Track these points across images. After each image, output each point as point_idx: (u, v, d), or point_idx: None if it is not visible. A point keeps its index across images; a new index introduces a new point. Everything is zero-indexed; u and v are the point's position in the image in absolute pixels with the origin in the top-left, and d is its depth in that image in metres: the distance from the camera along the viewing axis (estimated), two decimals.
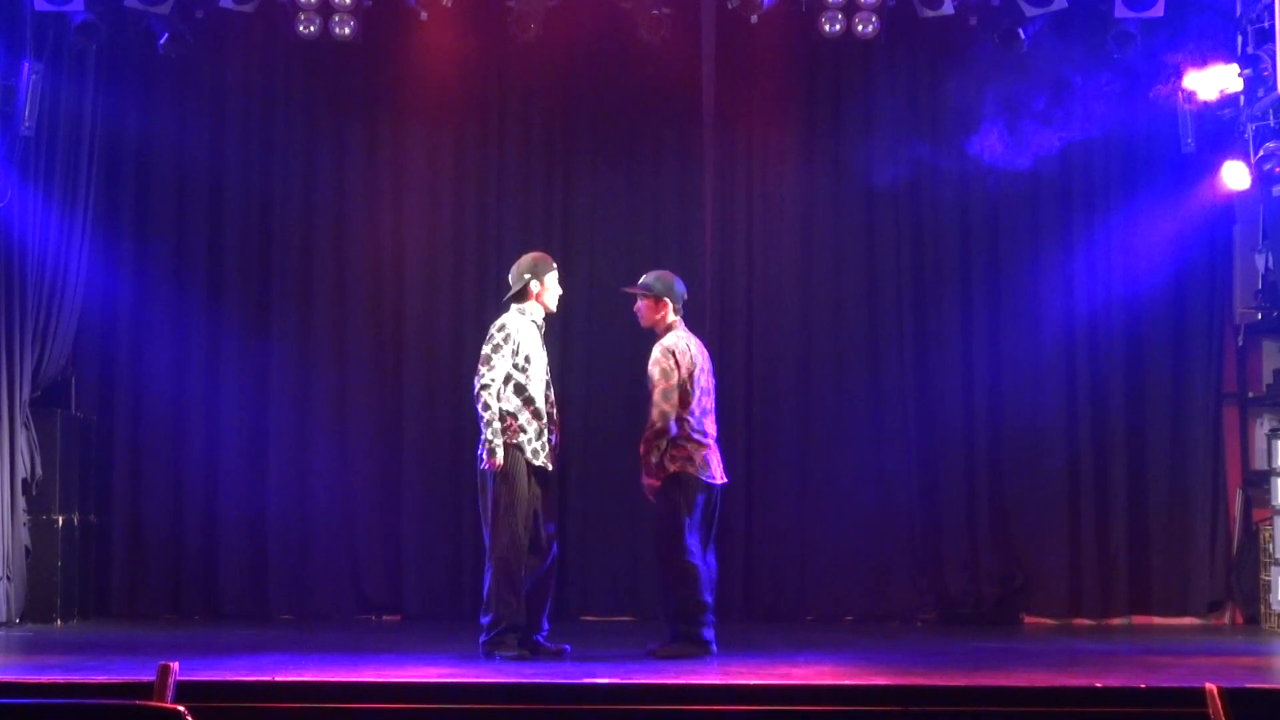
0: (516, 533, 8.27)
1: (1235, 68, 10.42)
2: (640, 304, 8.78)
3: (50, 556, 10.70)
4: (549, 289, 8.55)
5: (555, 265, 8.62)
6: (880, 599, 11.41)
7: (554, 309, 8.63)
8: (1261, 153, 10.21)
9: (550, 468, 8.43)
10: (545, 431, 8.38)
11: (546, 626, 8.51)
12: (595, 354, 11.47)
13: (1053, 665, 8.29)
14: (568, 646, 8.47)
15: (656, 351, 8.60)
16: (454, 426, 11.29)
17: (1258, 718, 6.35)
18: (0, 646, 9.38)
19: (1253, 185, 10.74)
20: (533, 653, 8.31)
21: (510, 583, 8.27)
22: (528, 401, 8.33)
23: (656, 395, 8.49)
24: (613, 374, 11.32)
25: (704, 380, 8.65)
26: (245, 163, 11.65)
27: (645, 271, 8.95)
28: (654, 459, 8.50)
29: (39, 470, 10.74)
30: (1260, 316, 11.33)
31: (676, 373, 8.51)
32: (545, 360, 8.50)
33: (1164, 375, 11.55)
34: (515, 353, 8.35)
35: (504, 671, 7.68)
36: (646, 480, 8.56)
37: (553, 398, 8.51)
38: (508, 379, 8.33)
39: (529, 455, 8.31)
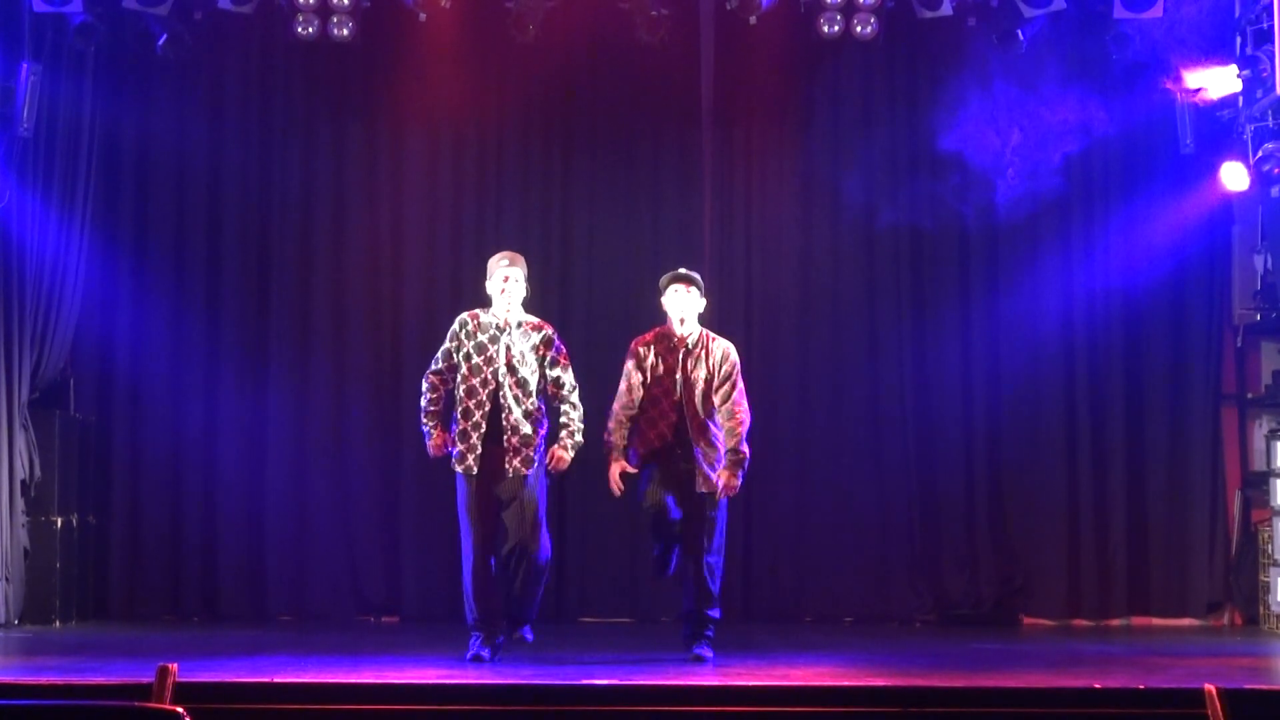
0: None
1: (1234, 68, 10.43)
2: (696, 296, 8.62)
3: (49, 558, 10.70)
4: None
5: (501, 262, 8.53)
6: (879, 600, 11.42)
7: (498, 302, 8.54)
8: (1260, 154, 10.22)
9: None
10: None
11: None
12: (595, 354, 11.46)
13: (1051, 666, 8.29)
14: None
15: (734, 354, 8.59)
16: None
17: (1257, 719, 6.35)
18: None
19: (1251, 186, 10.74)
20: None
21: None
22: None
23: (743, 399, 8.52)
24: (612, 374, 11.29)
25: None
26: (244, 164, 11.64)
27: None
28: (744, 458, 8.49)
29: (38, 471, 10.74)
30: (1259, 317, 11.34)
31: None
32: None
33: (1163, 376, 11.55)
34: None
35: (503, 673, 7.68)
36: (733, 482, 8.46)
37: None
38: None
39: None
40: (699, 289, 8.58)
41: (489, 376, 8.34)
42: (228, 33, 11.36)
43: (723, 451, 8.46)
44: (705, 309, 8.72)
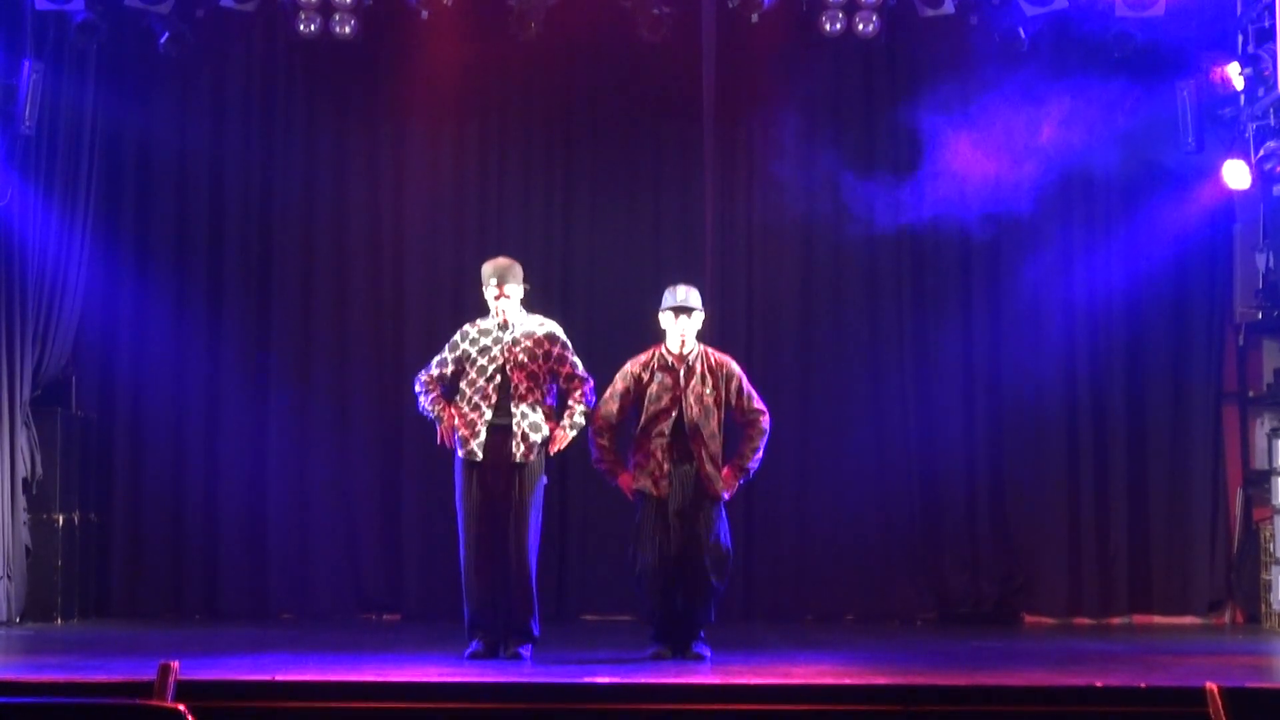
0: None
1: (1236, 67, 10.44)
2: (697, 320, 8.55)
3: (50, 556, 10.71)
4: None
5: (494, 272, 8.51)
6: (880, 598, 11.41)
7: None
8: (1262, 152, 10.23)
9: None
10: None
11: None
12: (595, 354, 11.44)
13: (1053, 664, 8.29)
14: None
15: (737, 367, 8.55)
16: None
17: (1258, 717, 6.35)
18: (1, 646, 9.38)
19: (1253, 184, 10.75)
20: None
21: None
22: None
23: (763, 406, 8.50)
24: (611, 374, 11.29)
25: None
26: (245, 162, 11.65)
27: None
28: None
29: (39, 469, 10.75)
30: (1260, 315, 11.33)
31: None
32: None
33: (1164, 374, 11.56)
34: None
35: (504, 671, 7.68)
36: (733, 483, 8.45)
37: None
38: None
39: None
40: (699, 309, 8.50)
41: (492, 366, 8.31)
42: (229, 30, 11.37)
43: (730, 458, 8.46)
44: (706, 311, 8.68)
